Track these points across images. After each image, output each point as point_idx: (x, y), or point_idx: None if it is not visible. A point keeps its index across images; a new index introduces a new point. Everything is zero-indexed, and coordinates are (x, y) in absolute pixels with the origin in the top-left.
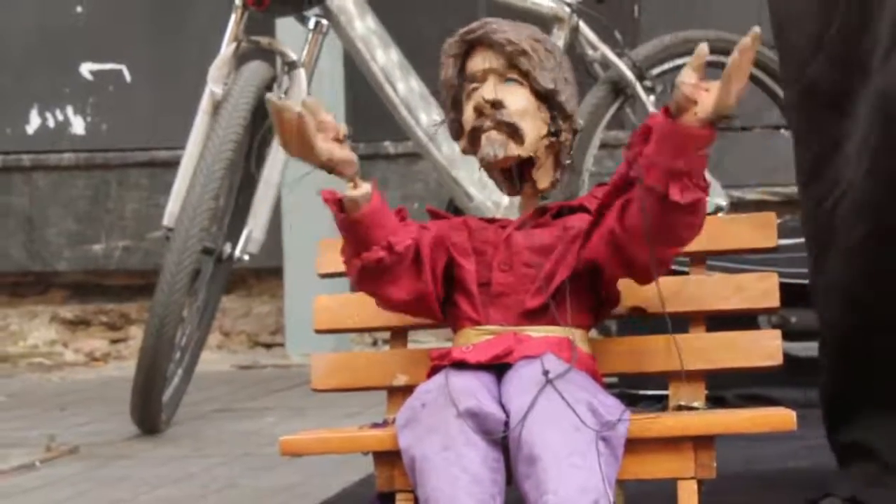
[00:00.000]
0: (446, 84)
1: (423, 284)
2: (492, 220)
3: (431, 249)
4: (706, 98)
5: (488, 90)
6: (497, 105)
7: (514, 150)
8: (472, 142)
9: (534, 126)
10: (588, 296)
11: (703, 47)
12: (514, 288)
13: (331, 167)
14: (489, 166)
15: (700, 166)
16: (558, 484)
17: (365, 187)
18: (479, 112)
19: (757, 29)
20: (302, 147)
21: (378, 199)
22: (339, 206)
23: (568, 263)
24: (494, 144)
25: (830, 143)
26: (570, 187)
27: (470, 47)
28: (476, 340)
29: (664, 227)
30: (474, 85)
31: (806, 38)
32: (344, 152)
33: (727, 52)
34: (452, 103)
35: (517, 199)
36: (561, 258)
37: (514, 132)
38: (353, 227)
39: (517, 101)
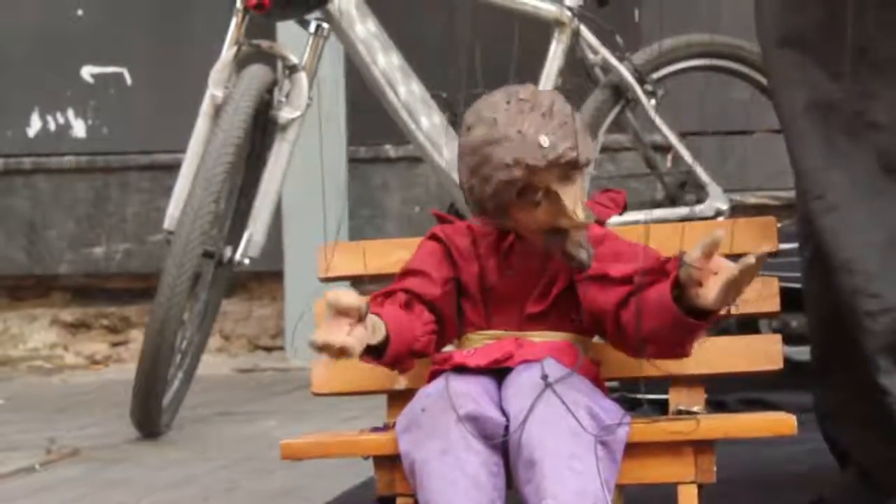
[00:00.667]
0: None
1: (451, 335)
2: (495, 226)
3: (442, 279)
4: (711, 284)
5: (573, 213)
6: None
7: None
8: (539, 239)
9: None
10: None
11: (719, 234)
12: (517, 293)
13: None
14: (580, 269)
15: (704, 332)
16: (557, 488)
17: (378, 329)
18: (556, 230)
19: (766, 248)
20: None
21: (389, 319)
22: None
23: (567, 273)
24: (584, 248)
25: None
26: None
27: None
28: (478, 345)
29: (667, 344)
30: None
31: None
32: (360, 333)
33: (728, 57)
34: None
35: None
36: (563, 265)
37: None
38: (387, 362)
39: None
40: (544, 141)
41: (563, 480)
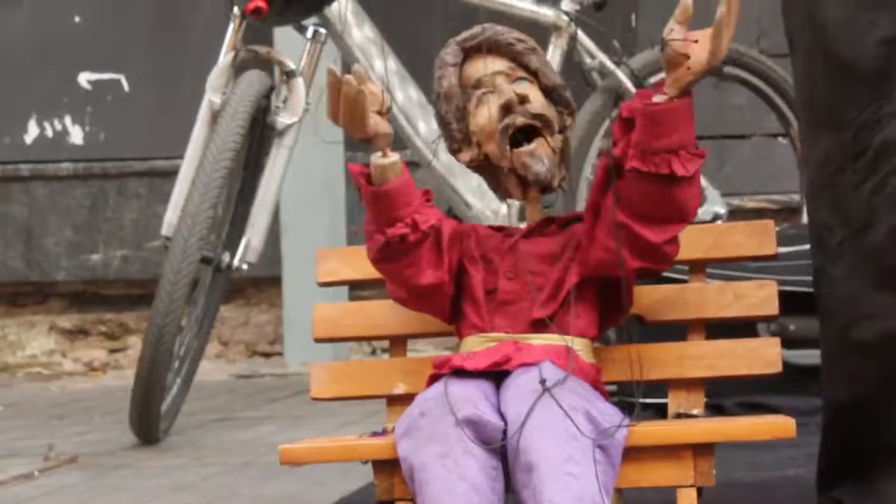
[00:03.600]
0: (448, 94)
1: (442, 273)
2: (499, 229)
3: (450, 239)
4: (698, 50)
5: (512, 88)
6: (524, 100)
7: (556, 164)
8: (498, 144)
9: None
10: (596, 304)
11: (687, 1)
12: (520, 296)
13: (372, 139)
14: (537, 184)
15: (692, 134)
16: (554, 493)
17: (395, 156)
18: (507, 109)
19: None
20: (352, 120)
21: (406, 174)
22: (367, 178)
23: (576, 270)
24: (543, 160)
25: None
26: (567, 195)
27: (466, 55)
28: (479, 348)
29: (671, 204)
30: (484, 90)
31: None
32: (386, 126)
33: (726, 61)
34: (455, 114)
35: (514, 209)
36: (568, 265)
37: (546, 124)
38: (380, 199)
39: (536, 97)
40: (507, 31)
41: (560, 485)
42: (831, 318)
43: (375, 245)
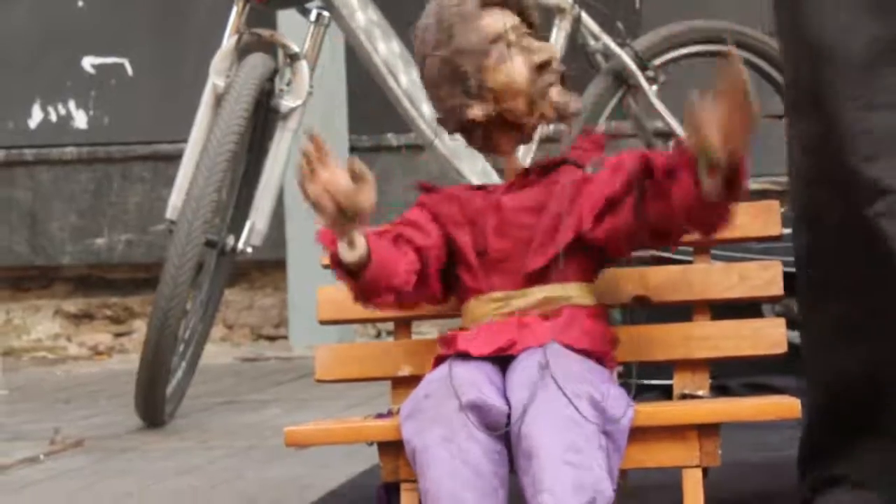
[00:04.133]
0: (472, 49)
1: (432, 291)
2: (479, 188)
3: (435, 245)
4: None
5: (539, 46)
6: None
7: None
8: (535, 101)
9: None
10: (588, 253)
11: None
12: (512, 252)
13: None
14: (563, 118)
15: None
16: (553, 482)
17: (360, 246)
18: (543, 67)
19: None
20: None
21: (374, 245)
22: (336, 261)
23: (569, 224)
24: (569, 95)
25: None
26: None
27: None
28: (480, 313)
29: (708, 219)
30: (504, 44)
31: None
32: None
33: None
34: (475, 69)
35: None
36: (558, 217)
37: (564, 80)
38: (367, 285)
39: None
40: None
41: (559, 474)
42: (824, 295)
43: (384, 304)
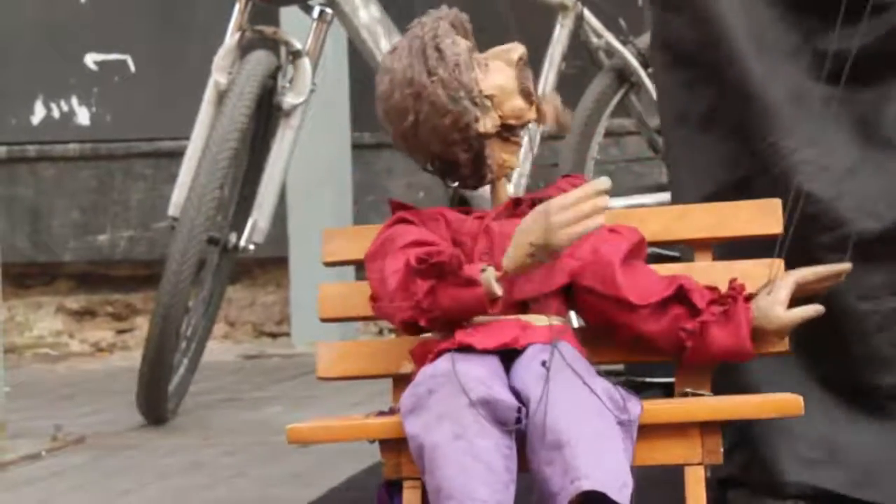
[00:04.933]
0: (469, 61)
1: None
2: (466, 212)
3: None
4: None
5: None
6: None
7: None
8: (531, 93)
9: None
10: (569, 294)
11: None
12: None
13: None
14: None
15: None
16: (589, 468)
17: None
18: (521, 61)
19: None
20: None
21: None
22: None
23: (567, 268)
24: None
25: None
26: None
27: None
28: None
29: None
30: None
31: None
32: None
33: None
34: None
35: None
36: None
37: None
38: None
39: None
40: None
41: (594, 460)
42: None
43: (434, 322)
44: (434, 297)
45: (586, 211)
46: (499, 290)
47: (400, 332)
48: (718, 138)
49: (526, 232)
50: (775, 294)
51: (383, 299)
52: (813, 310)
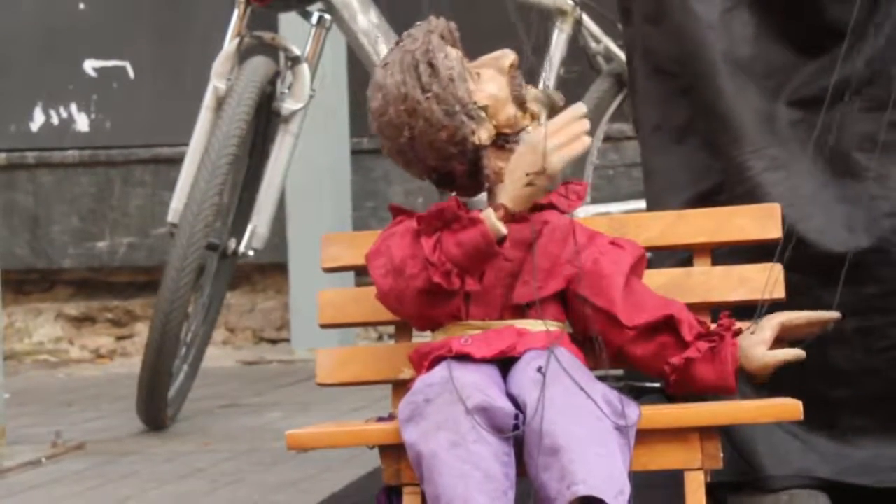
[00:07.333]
0: (461, 73)
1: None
2: None
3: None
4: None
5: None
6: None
7: None
8: (526, 100)
9: None
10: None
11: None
12: (494, 282)
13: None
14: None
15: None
16: (586, 473)
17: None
18: (514, 68)
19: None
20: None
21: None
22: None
23: (566, 273)
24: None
25: None
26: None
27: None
28: (470, 332)
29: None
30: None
31: None
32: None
33: None
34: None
35: None
36: (555, 259)
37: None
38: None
39: None
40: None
41: (591, 465)
42: None
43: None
44: (441, 248)
45: (576, 132)
46: (503, 228)
47: (401, 335)
48: (692, 149)
49: (519, 165)
50: (759, 334)
51: (394, 277)
52: (793, 354)
